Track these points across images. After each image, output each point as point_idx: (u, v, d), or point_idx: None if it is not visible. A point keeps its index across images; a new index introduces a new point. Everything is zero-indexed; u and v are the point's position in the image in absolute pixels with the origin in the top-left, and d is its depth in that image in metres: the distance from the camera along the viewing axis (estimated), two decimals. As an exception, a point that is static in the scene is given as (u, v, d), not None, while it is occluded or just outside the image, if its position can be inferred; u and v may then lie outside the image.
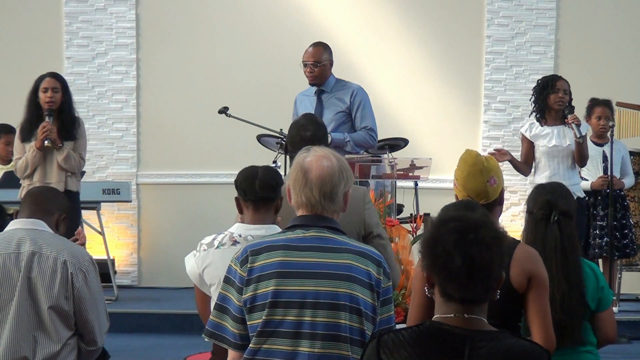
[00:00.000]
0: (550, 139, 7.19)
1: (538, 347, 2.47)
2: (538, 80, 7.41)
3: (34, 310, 3.90)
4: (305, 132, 4.68)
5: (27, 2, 9.59)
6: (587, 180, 7.77)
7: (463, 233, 2.44)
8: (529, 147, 7.30)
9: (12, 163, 8.63)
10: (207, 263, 4.05)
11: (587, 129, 7.29)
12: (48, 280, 3.90)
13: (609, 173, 7.67)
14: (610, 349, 6.66)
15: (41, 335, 3.90)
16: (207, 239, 4.14)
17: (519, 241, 3.80)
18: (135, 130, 9.57)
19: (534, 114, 7.30)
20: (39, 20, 9.57)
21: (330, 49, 7.03)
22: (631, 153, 8.20)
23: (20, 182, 6.96)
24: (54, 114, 6.83)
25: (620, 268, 8.28)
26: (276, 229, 4.08)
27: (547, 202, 4.05)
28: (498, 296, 2.53)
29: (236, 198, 4.18)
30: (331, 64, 7.00)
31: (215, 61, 9.51)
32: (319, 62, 6.90)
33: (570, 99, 7.23)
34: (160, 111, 9.55)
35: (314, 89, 6.99)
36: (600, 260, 7.96)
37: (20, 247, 3.93)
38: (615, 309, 7.62)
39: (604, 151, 7.81)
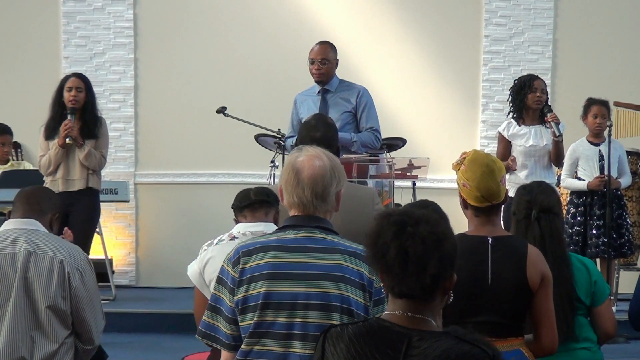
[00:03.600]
0: (528, 139, 7.24)
1: (480, 350, 2.44)
2: (515, 80, 7.46)
3: (31, 310, 3.89)
4: (316, 133, 4.68)
5: (25, 2, 9.59)
6: (583, 180, 7.77)
7: (402, 226, 2.48)
8: (506, 146, 7.35)
9: (9, 163, 8.67)
10: (207, 259, 4.19)
11: (563, 128, 7.31)
12: (45, 280, 3.89)
13: (605, 172, 7.67)
14: (608, 348, 6.67)
15: (39, 335, 3.89)
16: (207, 242, 4.34)
17: (526, 241, 3.84)
18: (133, 130, 9.57)
19: (511, 113, 7.35)
20: (37, 20, 9.57)
21: (335, 48, 7.04)
22: (628, 153, 8.20)
23: (43, 179, 7.12)
24: (77, 112, 7.01)
25: (617, 268, 8.28)
26: (273, 226, 4.18)
27: (526, 202, 4.15)
28: (451, 300, 2.54)
29: (234, 219, 4.30)
30: (336, 64, 7.02)
31: (213, 61, 9.50)
32: (327, 59, 6.92)
33: (547, 98, 7.28)
34: (158, 111, 9.55)
35: (316, 89, 6.98)
36: (597, 260, 7.97)
37: (15, 247, 3.91)
38: (613, 309, 7.62)
39: (600, 150, 7.81)
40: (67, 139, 6.93)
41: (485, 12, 9.50)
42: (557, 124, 7.13)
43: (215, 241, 4.28)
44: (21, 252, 3.90)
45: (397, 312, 2.50)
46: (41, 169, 7.08)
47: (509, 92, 7.46)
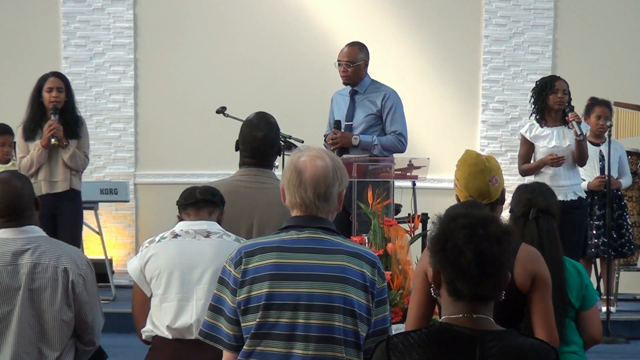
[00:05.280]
0: (550, 140, 7.20)
1: (546, 344, 2.49)
2: (537, 82, 7.41)
3: (37, 322, 3.83)
4: (258, 133, 4.65)
5: (25, 2, 9.58)
6: (584, 180, 7.77)
7: (473, 228, 2.46)
8: (529, 148, 7.31)
9: (10, 163, 8.63)
10: (149, 256, 4.21)
11: (587, 129, 7.28)
12: (50, 291, 3.82)
13: (606, 173, 7.67)
14: (608, 348, 6.69)
15: (44, 346, 3.85)
16: (149, 239, 4.31)
17: (520, 241, 3.82)
18: (133, 130, 9.57)
19: (533, 115, 7.30)
20: (37, 20, 9.57)
21: (366, 49, 7.02)
22: (628, 153, 8.20)
23: None
24: (58, 112, 6.88)
25: (618, 268, 8.29)
26: (216, 225, 4.17)
27: (527, 200, 4.13)
28: (503, 297, 2.53)
29: (177, 216, 4.30)
30: (366, 65, 6.99)
31: (213, 61, 9.50)
32: (353, 61, 6.91)
33: (570, 99, 7.23)
34: (157, 111, 9.54)
35: (349, 88, 6.99)
36: (597, 260, 7.97)
37: (17, 258, 3.83)
38: (613, 309, 7.63)
39: (601, 151, 7.80)
40: (53, 140, 6.83)
41: (485, 13, 9.50)
42: (579, 123, 7.08)
43: (157, 238, 4.26)
44: (24, 263, 3.82)
45: (460, 315, 2.48)
46: (21, 170, 6.92)
47: (530, 94, 7.40)
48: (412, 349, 2.46)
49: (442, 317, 2.53)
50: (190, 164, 9.50)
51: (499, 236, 2.45)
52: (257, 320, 3.09)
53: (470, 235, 2.44)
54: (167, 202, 9.59)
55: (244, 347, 3.12)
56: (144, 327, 4.29)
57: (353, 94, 6.99)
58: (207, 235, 4.20)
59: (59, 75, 7.04)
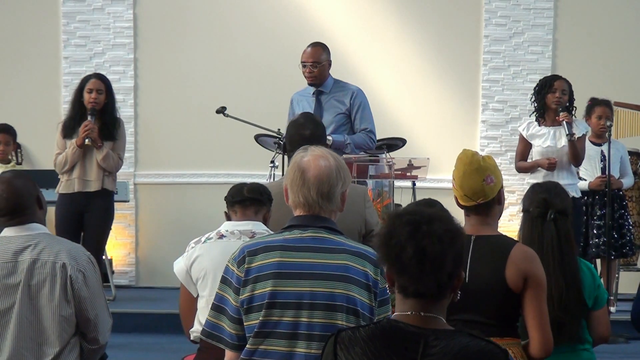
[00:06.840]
0: (546, 139, 7.20)
1: (495, 346, 2.48)
2: (539, 80, 7.41)
3: (36, 318, 3.85)
4: (305, 131, 4.69)
5: (25, 2, 9.58)
6: (585, 180, 7.76)
7: (416, 225, 2.47)
8: (526, 146, 7.32)
9: (11, 164, 8.64)
10: (194, 257, 4.21)
11: (586, 130, 7.27)
12: (48, 286, 3.84)
13: (607, 173, 7.66)
14: (608, 348, 6.69)
15: (44, 342, 3.85)
16: (195, 239, 4.35)
17: (516, 241, 3.81)
18: (133, 130, 9.56)
19: (534, 113, 7.30)
20: (37, 20, 9.56)
21: (328, 49, 7.03)
22: (629, 153, 8.20)
23: (58, 177, 7.09)
24: (97, 114, 6.98)
25: (618, 268, 8.28)
26: (262, 225, 4.17)
27: (543, 201, 4.09)
28: (458, 297, 2.54)
29: (225, 212, 4.29)
30: (329, 65, 7.00)
31: (213, 61, 9.50)
32: (319, 62, 6.90)
33: (572, 99, 7.21)
34: (157, 111, 9.54)
35: (312, 89, 6.98)
36: (598, 260, 7.96)
37: (18, 256, 3.86)
38: (612, 309, 7.63)
39: (602, 151, 7.80)
40: (87, 140, 6.91)
41: (485, 12, 9.50)
42: (569, 123, 7.08)
43: (203, 239, 4.28)
44: (24, 260, 3.85)
45: (409, 312, 2.49)
46: (56, 167, 7.05)
47: (532, 92, 7.40)
48: (356, 344, 2.49)
49: (393, 314, 2.54)
50: (190, 164, 9.50)
51: (441, 234, 2.46)
52: (260, 319, 3.10)
53: (413, 232, 2.46)
54: (167, 202, 9.65)
55: (247, 345, 3.13)
56: (191, 327, 4.31)
57: (318, 94, 6.97)
58: (252, 235, 4.19)
59: (100, 77, 7.12)
